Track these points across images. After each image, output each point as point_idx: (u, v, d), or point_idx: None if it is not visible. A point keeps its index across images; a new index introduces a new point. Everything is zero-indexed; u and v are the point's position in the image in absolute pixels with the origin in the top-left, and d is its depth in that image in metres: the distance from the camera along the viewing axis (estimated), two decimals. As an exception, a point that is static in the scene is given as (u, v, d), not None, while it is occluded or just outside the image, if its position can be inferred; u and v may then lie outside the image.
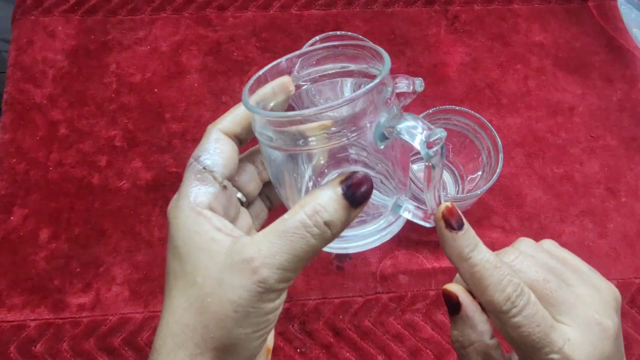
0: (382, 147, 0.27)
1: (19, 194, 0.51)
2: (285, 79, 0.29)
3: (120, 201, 0.51)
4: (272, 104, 0.29)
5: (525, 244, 0.30)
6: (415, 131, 0.25)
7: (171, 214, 0.26)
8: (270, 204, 0.33)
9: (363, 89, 0.24)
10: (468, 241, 0.26)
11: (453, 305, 0.28)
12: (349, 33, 0.47)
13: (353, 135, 0.25)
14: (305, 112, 0.24)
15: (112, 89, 0.55)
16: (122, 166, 0.52)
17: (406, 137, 0.25)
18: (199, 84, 0.56)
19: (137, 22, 0.58)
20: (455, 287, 0.29)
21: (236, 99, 0.55)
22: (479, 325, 0.28)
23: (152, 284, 0.48)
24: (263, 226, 0.28)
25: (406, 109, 0.54)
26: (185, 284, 0.24)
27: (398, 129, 0.25)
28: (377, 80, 0.24)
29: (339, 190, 0.24)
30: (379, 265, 0.50)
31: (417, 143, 0.25)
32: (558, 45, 0.60)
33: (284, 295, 0.25)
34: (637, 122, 0.57)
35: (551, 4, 0.62)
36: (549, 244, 0.31)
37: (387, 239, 0.31)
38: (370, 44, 0.29)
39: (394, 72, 0.56)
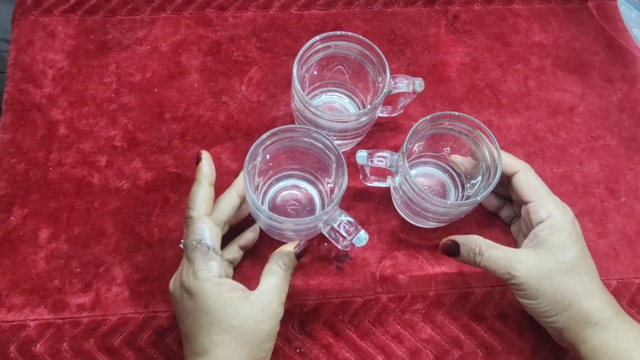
0: None
1: (18, 193, 0.51)
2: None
3: (120, 201, 0.51)
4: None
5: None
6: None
7: (194, 284, 0.39)
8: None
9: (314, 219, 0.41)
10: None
11: (455, 248, 0.43)
12: (349, 33, 0.47)
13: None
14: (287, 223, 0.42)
15: (112, 89, 0.55)
16: (122, 166, 0.52)
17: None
18: (199, 84, 0.56)
19: (137, 22, 0.58)
20: (450, 238, 0.44)
21: (236, 99, 0.55)
22: (472, 240, 0.43)
23: (152, 284, 0.48)
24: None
25: (406, 108, 0.54)
26: (222, 328, 0.38)
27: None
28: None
29: (293, 253, 0.42)
30: (379, 266, 0.50)
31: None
32: (558, 45, 0.60)
33: None
34: (637, 122, 0.57)
35: (551, 4, 0.62)
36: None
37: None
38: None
39: (394, 72, 0.56)
